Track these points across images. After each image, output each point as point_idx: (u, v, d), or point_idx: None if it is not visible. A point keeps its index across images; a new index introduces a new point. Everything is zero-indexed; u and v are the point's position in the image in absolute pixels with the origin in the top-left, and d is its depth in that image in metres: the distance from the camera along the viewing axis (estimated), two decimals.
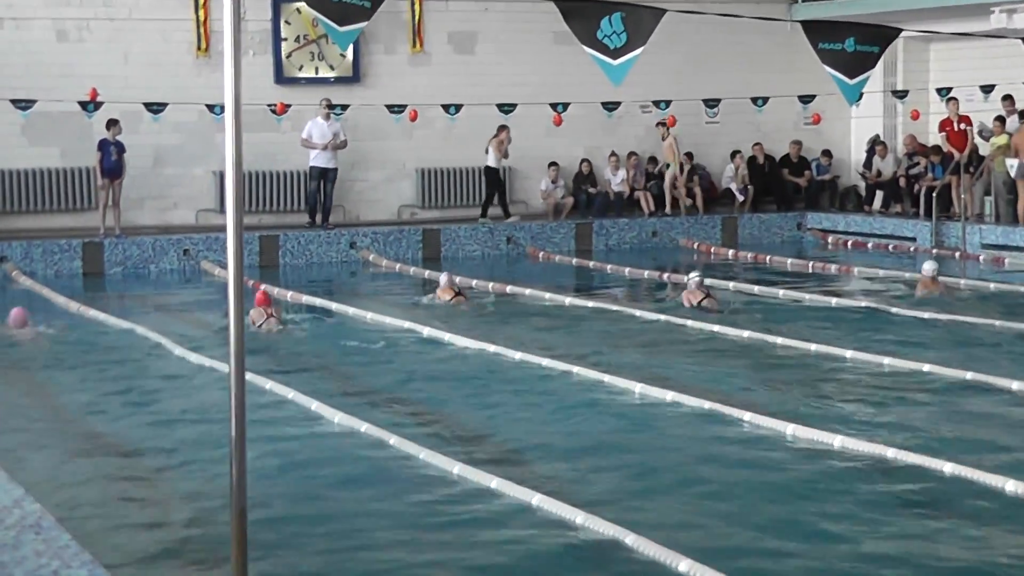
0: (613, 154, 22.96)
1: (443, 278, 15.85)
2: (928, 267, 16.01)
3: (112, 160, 19.60)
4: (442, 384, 11.28)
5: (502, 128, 21.69)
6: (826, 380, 11.31)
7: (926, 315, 14.27)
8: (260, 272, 18.60)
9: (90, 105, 19.73)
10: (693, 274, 15.58)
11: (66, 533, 5.23)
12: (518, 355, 12.14)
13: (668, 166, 22.70)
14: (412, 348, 13.00)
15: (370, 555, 7.05)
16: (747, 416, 9.62)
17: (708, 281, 15.70)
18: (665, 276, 17.98)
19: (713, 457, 8.80)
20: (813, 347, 12.43)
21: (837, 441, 8.90)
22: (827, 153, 24.22)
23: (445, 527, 7.45)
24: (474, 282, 17.21)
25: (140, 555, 7.04)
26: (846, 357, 11.99)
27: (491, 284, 17.04)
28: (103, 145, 19.62)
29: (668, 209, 22.66)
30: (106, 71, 20.41)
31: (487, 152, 21.77)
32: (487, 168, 21.90)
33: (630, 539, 6.91)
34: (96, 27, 20.69)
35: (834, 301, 15.49)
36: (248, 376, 5.46)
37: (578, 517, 7.29)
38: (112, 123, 19.61)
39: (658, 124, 22.50)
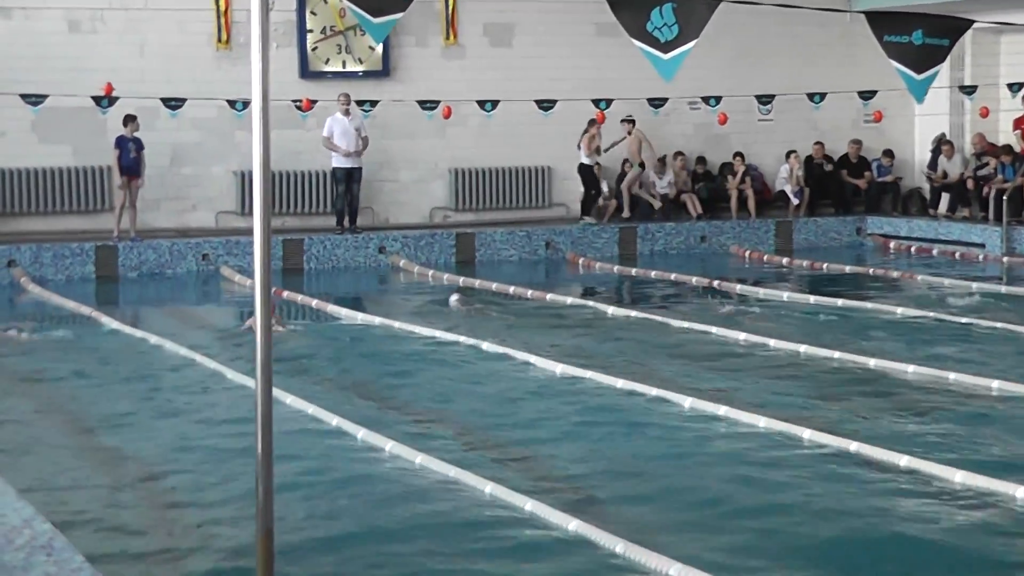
0: (661, 158, 22.86)
1: None
2: None
3: (131, 158, 19.66)
4: (475, 397, 11.29)
5: (592, 123, 21.84)
6: (888, 395, 11.24)
7: (994, 327, 14.20)
8: (283, 278, 18.62)
9: (104, 100, 19.85)
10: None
11: (79, 555, 5.24)
12: (559, 367, 12.12)
13: (632, 166, 22.57)
14: (444, 358, 13.02)
15: None
16: (806, 434, 9.58)
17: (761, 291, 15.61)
18: (715, 283, 17.90)
19: (767, 478, 8.76)
20: (872, 362, 12.38)
21: (904, 461, 8.85)
22: (888, 153, 24.09)
23: (477, 550, 7.45)
24: (511, 288, 17.27)
25: None
26: (907, 371, 11.93)
27: (529, 291, 17.06)
28: (121, 142, 19.68)
29: (627, 212, 22.56)
30: (120, 64, 20.50)
31: (579, 148, 21.98)
32: (580, 166, 22.12)
33: (674, 570, 6.85)
34: (110, 17, 20.78)
35: (899, 311, 15.39)
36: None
37: (618, 546, 7.24)
38: (130, 119, 19.69)
39: (623, 120, 22.26)
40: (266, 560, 5.04)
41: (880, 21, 8.14)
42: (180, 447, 9.69)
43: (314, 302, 16.49)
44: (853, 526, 7.81)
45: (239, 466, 8.71)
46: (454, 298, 16.53)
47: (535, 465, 9.21)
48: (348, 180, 20.72)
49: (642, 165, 22.55)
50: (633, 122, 22.26)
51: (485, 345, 13.28)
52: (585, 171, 22.08)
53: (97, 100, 19.87)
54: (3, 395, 11.65)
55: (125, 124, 19.66)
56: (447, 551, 7.42)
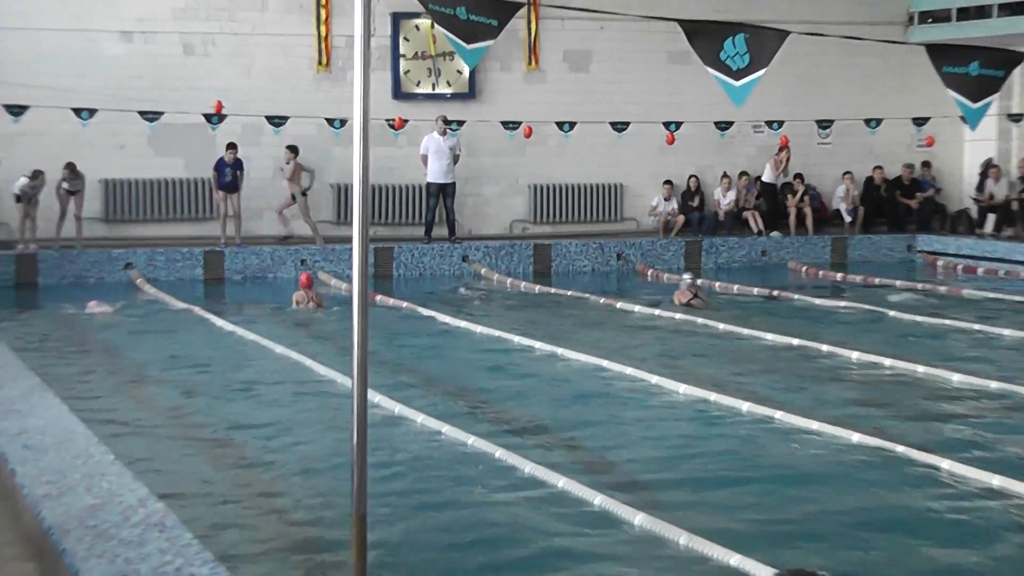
0: (725, 175, 22.76)
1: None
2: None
3: (227, 181, 20.11)
4: (555, 398, 11.25)
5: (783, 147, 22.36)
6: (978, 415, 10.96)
7: None
8: (375, 283, 18.67)
9: (214, 117, 20.11)
10: (686, 275, 17.13)
11: (189, 532, 5.30)
12: (628, 370, 12.06)
13: (296, 196, 20.57)
14: (523, 362, 13.01)
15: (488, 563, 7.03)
16: (902, 450, 9.14)
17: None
18: (775, 293, 17.80)
19: (860, 493, 8.28)
20: (956, 377, 11.83)
21: (996, 481, 8.36)
22: (927, 164, 23.83)
23: (561, 542, 7.32)
24: (590, 297, 17.31)
25: (260, 557, 7.06)
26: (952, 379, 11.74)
27: (602, 299, 17.09)
28: (220, 166, 20.15)
29: (285, 233, 20.72)
30: (229, 84, 20.73)
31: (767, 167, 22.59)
32: (762, 183, 22.61)
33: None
34: (221, 41, 21.02)
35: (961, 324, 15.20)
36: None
37: (733, 559, 6.78)
38: (231, 146, 20.08)
39: (287, 147, 20.39)
40: (360, 544, 5.05)
41: (940, 53, 8.07)
42: (274, 435, 9.74)
43: (404, 304, 16.59)
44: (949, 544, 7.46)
45: (330, 455, 8.76)
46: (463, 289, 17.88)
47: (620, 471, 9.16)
48: (441, 194, 20.84)
49: (304, 194, 20.67)
50: (296, 151, 20.58)
51: (560, 351, 13.23)
52: (768, 188, 22.46)
53: (208, 117, 20.12)
54: (113, 385, 11.78)
55: (227, 149, 20.02)
56: (539, 543, 7.29)
